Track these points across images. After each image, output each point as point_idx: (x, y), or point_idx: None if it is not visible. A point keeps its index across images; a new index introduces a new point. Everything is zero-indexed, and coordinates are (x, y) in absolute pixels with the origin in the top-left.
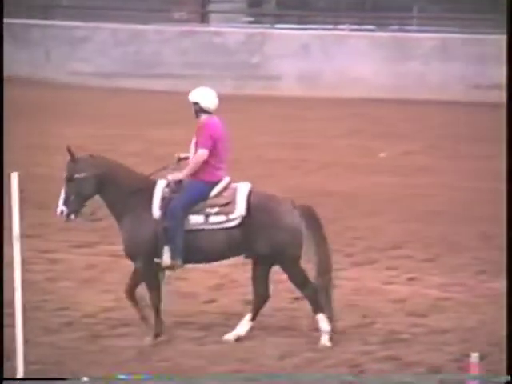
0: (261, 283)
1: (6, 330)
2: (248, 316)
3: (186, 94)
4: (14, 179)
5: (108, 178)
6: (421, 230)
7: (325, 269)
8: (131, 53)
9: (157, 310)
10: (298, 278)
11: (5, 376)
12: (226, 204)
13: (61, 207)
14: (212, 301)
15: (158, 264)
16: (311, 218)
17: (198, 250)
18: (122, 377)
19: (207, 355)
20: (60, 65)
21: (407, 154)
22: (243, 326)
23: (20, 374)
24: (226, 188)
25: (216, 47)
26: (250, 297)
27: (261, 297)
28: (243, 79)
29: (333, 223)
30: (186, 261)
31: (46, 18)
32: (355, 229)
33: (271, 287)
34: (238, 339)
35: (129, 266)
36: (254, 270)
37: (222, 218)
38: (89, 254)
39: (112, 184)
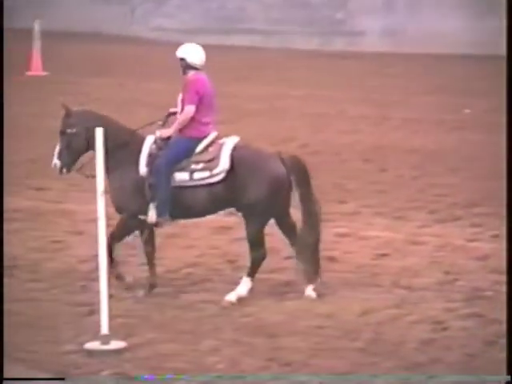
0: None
1: (91, 284)
2: (246, 275)
3: (270, 50)
4: (99, 135)
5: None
6: (504, 188)
7: (311, 224)
8: (214, 8)
9: (150, 263)
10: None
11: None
12: (211, 160)
13: (54, 161)
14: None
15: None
16: (299, 170)
17: (184, 206)
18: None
19: (289, 311)
20: (144, 21)
21: (491, 111)
22: (244, 286)
23: (105, 329)
24: (211, 143)
25: (300, 3)
26: (330, 253)
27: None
28: (327, 35)
29: (416, 180)
30: (175, 217)
31: None
32: (438, 186)
33: (355, 244)
34: (240, 299)
35: (213, 221)
36: (246, 227)
37: (206, 173)
38: None
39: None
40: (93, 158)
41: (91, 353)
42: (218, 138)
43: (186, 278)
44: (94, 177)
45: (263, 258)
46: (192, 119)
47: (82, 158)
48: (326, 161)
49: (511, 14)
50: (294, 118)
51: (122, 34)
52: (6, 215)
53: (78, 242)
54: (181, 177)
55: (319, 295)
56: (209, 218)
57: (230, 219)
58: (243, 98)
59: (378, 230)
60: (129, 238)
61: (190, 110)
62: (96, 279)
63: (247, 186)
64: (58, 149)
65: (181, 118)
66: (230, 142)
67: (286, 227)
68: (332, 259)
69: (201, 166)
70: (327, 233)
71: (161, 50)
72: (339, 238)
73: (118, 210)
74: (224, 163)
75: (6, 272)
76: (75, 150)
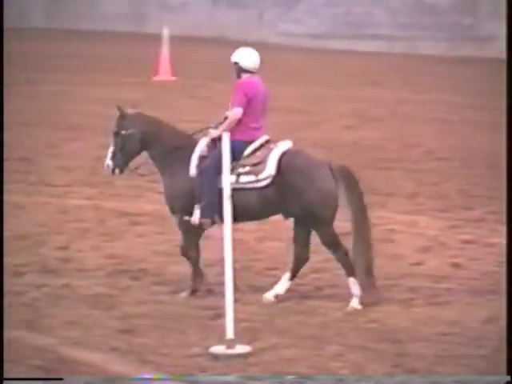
0: (300, 244)
1: (216, 288)
2: (287, 275)
3: (395, 55)
4: (226, 140)
5: (153, 135)
6: None
7: (361, 240)
8: (341, 13)
9: (194, 266)
10: (329, 241)
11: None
12: (257, 164)
13: (107, 161)
14: (420, 263)
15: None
16: (348, 180)
17: (233, 208)
18: (139, 377)
19: (415, 317)
20: (272, 26)
21: None
22: (282, 285)
23: (230, 333)
24: (260, 147)
25: (427, 8)
26: (455, 260)
27: (299, 258)
28: (454, 40)
29: None
30: (237, 220)
31: None
32: None
33: (480, 250)
34: (277, 296)
35: (336, 227)
36: (294, 230)
37: (252, 177)
38: None
39: (156, 141)
40: (147, 159)
41: (216, 356)
42: (268, 142)
43: (311, 283)
44: (143, 175)
45: (305, 261)
46: (240, 122)
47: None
48: (452, 167)
49: (511, 14)
50: (419, 123)
51: (248, 38)
52: (131, 219)
53: (203, 246)
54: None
55: (443, 302)
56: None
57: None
58: (368, 103)
59: (504, 237)
60: None
61: (238, 111)
62: (221, 283)
63: (296, 193)
64: (111, 150)
65: (228, 120)
66: (280, 147)
67: (327, 238)
68: (457, 266)
69: (247, 169)
70: (453, 239)
71: (288, 55)
72: (465, 244)
73: (171, 210)
74: (270, 169)
75: (131, 275)
76: (129, 151)
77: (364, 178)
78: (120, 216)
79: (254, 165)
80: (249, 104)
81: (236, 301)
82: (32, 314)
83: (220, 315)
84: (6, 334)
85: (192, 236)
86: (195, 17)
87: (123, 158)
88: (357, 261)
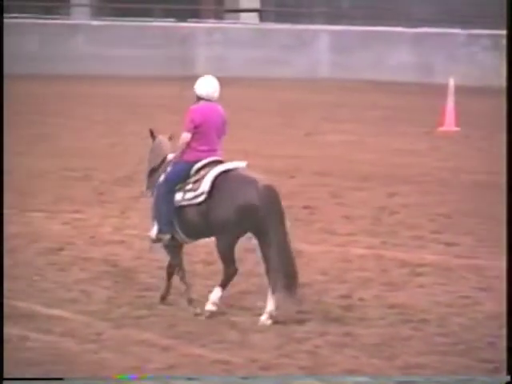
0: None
1: (498, 341)
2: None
3: None
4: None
5: (149, 161)
6: None
7: (277, 253)
8: None
9: (179, 276)
10: (224, 253)
11: None
12: (197, 181)
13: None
14: None
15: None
16: (269, 200)
17: (184, 225)
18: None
19: None
20: None
21: None
22: (215, 294)
23: None
24: (204, 167)
25: None
26: None
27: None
28: None
29: None
30: (189, 236)
31: None
32: None
33: None
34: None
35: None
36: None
37: (192, 194)
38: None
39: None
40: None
41: None
42: (217, 162)
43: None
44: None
45: (234, 273)
46: (188, 145)
47: None
48: None
49: (511, 14)
50: None
51: None
52: (413, 269)
53: (484, 298)
54: (177, 197)
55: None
56: None
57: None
58: None
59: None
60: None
61: (184, 136)
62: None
63: (218, 208)
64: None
65: (178, 144)
66: (220, 167)
67: (222, 249)
68: None
69: (190, 186)
70: None
71: None
72: None
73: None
74: (205, 185)
75: (413, 325)
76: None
77: None
78: (402, 266)
79: (195, 182)
80: (196, 129)
81: None
82: (313, 361)
83: (500, 369)
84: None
85: (170, 252)
86: (481, 67)
87: (149, 179)
88: (276, 277)
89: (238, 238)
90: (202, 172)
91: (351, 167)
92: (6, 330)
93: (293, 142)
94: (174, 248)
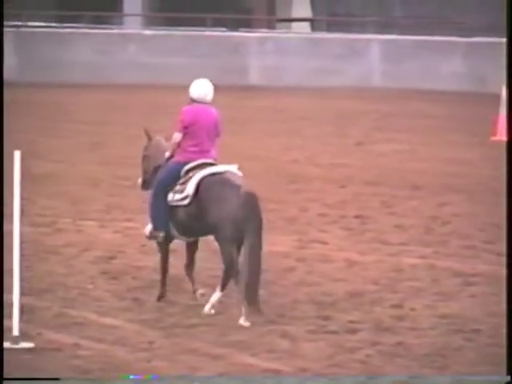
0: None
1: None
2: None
3: None
4: None
5: (149, 158)
6: None
7: (248, 259)
8: None
9: (162, 274)
10: (225, 258)
11: None
12: (184, 183)
13: (140, 179)
14: None
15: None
16: (250, 206)
17: (178, 224)
18: (132, 377)
19: None
20: None
21: None
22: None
23: None
24: (194, 168)
25: None
26: None
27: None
28: None
29: None
30: (183, 235)
31: None
32: None
33: None
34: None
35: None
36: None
37: (179, 196)
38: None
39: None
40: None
41: None
42: (208, 164)
43: None
44: None
45: (232, 275)
46: (179, 146)
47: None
48: None
49: (511, 14)
50: None
51: None
52: (465, 279)
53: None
54: (169, 197)
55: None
56: None
57: None
58: None
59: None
60: None
61: (175, 136)
62: None
63: (204, 211)
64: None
65: (170, 144)
66: (207, 170)
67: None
68: None
69: (178, 187)
70: None
71: None
72: None
73: None
74: (190, 188)
75: (464, 335)
76: (146, 171)
77: None
78: (454, 276)
79: (182, 184)
80: (186, 129)
81: None
82: (365, 371)
83: None
84: None
85: (159, 249)
86: None
87: (144, 177)
88: (240, 285)
89: (232, 240)
90: (191, 174)
91: (403, 176)
92: (59, 337)
93: (344, 150)
94: (167, 246)
